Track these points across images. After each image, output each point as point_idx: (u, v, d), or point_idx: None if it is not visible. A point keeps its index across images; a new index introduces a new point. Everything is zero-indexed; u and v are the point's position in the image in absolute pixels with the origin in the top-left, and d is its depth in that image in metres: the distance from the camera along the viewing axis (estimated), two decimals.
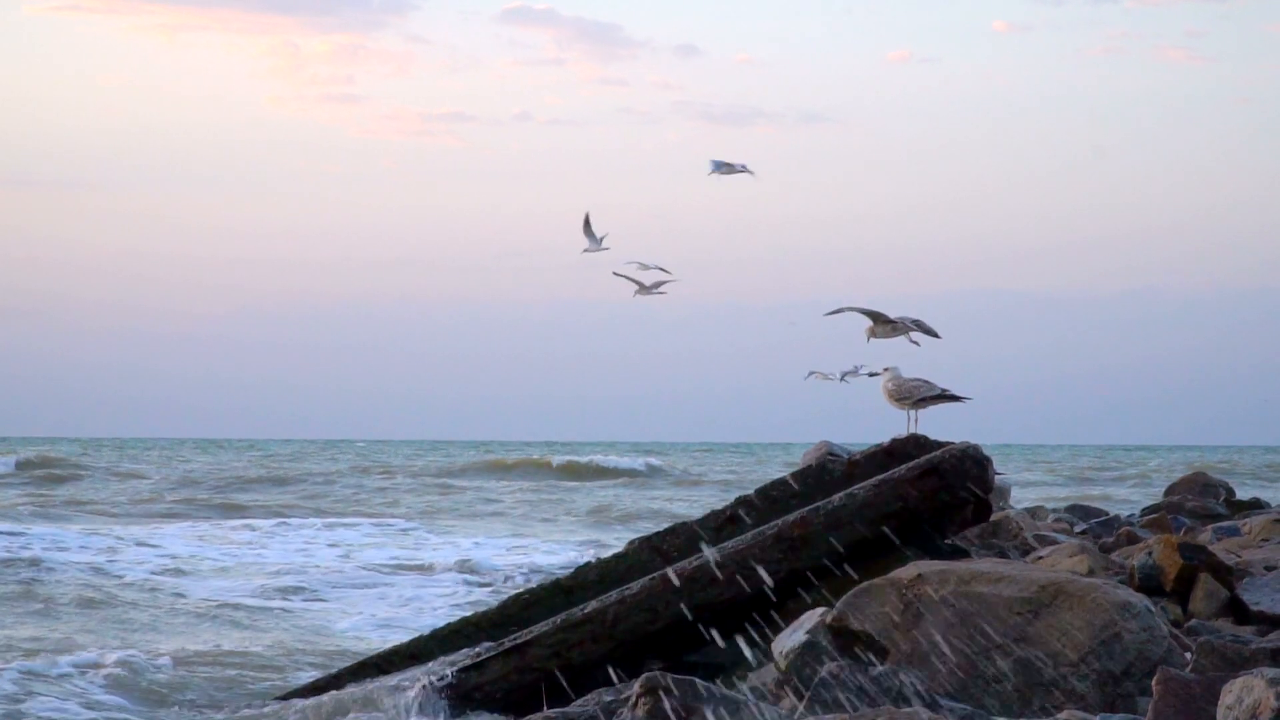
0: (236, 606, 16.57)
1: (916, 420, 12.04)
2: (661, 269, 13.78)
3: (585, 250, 13.55)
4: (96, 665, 11.93)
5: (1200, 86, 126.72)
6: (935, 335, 11.79)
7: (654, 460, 63.72)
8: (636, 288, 13.63)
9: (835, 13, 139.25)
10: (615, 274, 13.69)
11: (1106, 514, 19.15)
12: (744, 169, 13.18)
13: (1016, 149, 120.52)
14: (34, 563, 19.28)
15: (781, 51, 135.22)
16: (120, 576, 18.84)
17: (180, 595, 17.44)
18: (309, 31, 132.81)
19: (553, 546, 25.02)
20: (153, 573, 19.44)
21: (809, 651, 7.47)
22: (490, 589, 18.46)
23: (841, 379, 13.58)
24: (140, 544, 23.22)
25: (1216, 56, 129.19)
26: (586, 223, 13.68)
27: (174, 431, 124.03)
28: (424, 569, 20.76)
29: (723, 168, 13.09)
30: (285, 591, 17.96)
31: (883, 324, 11.65)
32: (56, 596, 16.70)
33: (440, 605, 16.95)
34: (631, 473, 57.23)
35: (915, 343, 11.76)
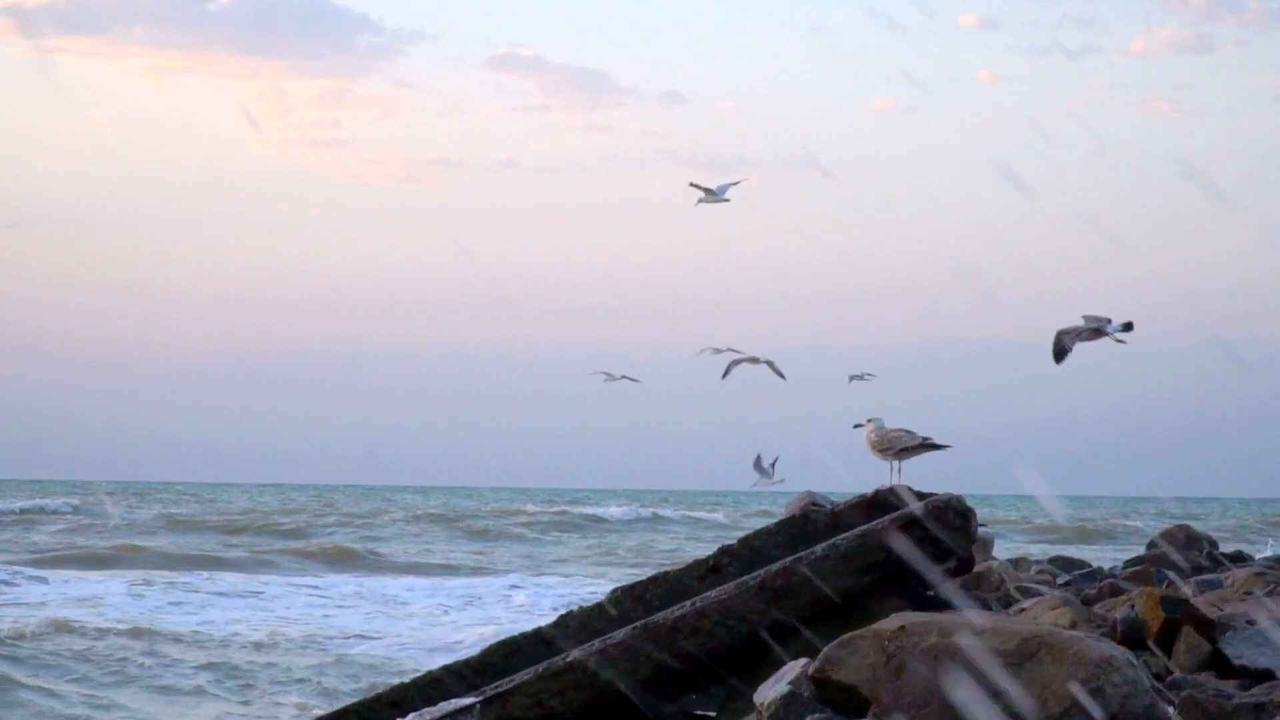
0: None
1: (900, 470, 12.06)
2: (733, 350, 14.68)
3: (757, 484, 14.80)
4: None
5: (1186, 137, 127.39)
6: (1128, 328, 11.68)
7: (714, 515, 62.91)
8: (746, 362, 14.45)
9: (821, 61, 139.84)
10: (727, 375, 14.48)
11: (1089, 566, 19.12)
12: (725, 192, 13.58)
13: (1002, 198, 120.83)
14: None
15: (766, 99, 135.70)
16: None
17: None
18: (296, 76, 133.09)
19: None
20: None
21: (791, 702, 7.45)
22: None
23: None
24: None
25: (1202, 108, 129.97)
26: (756, 462, 14.75)
27: (152, 474, 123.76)
28: None
29: (708, 196, 13.49)
30: None
31: (1089, 334, 11.69)
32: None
33: None
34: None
35: (1121, 340, 11.71)
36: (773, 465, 15.12)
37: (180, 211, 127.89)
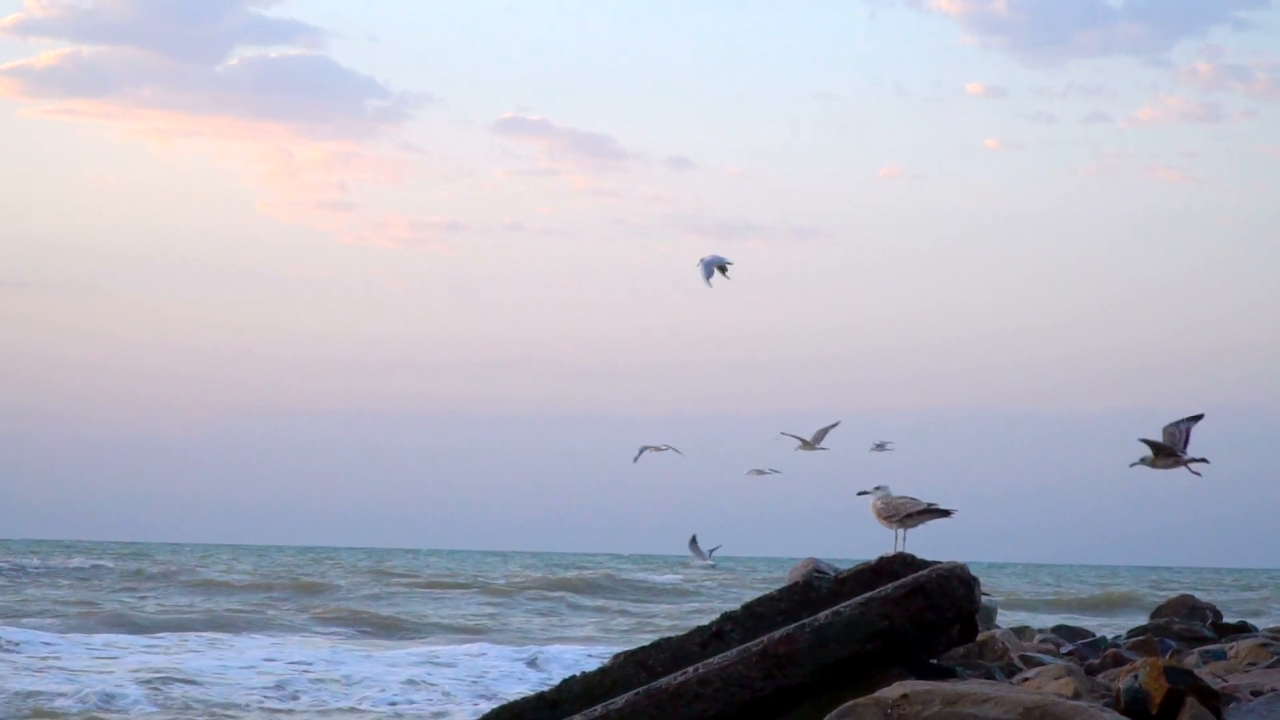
0: None
1: (904, 538, 12.08)
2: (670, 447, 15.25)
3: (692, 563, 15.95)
4: None
5: (1192, 206, 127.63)
6: (1205, 460, 12.41)
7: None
8: (799, 443, 15.17)
9: (827, 128, 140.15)
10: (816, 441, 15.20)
11: (1093, 635, 19.08)
12: (724, 267, 13.83)
13: (1007, 266, 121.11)
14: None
15: (773, 165, 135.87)
16: None
17: None
18: (303, 139, 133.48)
19: None
20: None
21: None
22: None
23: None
24: None
25: (1208, 177, 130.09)
26: (693, 542, 15.39)
27: (156, 535, 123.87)
28: None
29: (711, 268, 13.72)
30: None
31: (1165, 456, 12.21)
32: None
33: None
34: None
35: (1196, 473, 12.17)
36: (710, 552, 16.00)
37: (186, 273, 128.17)
